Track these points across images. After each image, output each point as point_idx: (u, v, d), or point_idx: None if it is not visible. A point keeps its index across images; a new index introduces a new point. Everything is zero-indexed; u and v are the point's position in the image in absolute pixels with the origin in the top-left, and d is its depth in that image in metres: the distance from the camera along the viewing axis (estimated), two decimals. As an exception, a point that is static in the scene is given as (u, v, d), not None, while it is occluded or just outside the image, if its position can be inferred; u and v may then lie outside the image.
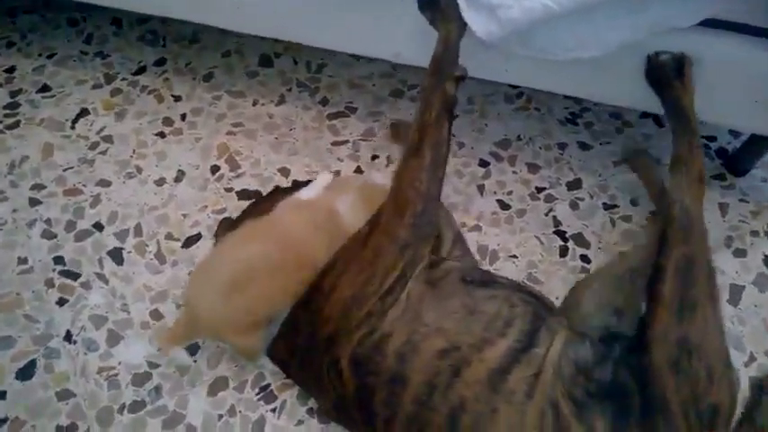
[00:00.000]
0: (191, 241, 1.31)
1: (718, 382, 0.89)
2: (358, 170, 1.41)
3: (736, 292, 1.26)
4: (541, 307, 1.02)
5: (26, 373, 1.17)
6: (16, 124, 1.48)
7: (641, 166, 1.38)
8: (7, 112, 1.50)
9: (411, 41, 1.18)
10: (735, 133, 1.45)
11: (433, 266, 1.02)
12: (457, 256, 1.16)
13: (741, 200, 1.37)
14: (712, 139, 1.45)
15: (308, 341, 1.02)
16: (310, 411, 1.13)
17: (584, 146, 1.46)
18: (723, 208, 1.36)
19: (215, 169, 1.41)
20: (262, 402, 1.14)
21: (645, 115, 1.49)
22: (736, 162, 1.41)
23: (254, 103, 1.52)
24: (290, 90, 1.54)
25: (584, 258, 1.30)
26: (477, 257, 1.29)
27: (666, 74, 1.10)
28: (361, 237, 1.04)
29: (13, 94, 1.53)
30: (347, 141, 1.46)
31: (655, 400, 0.88)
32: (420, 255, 0.99)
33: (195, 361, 1.18)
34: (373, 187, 1.17)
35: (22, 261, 1.29)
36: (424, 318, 0.95)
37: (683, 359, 0.89)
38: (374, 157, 1.43)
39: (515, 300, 1.00)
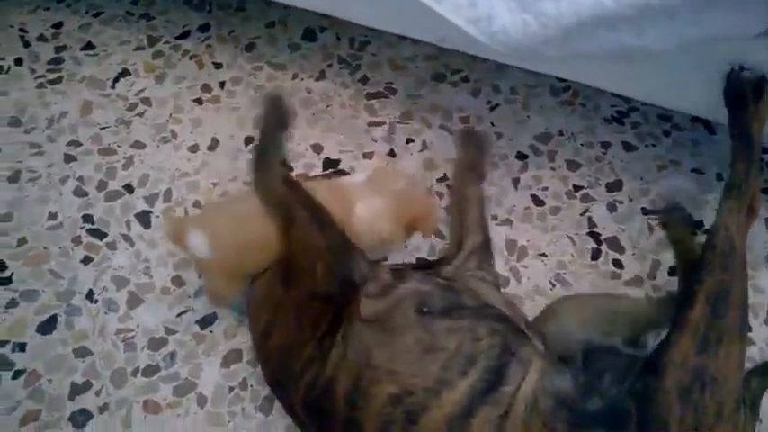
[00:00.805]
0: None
1: (725, 422, 0.83)
2: (391, 153, 1.38)
3: (776, 313, 1.21)
4: (511, 334, 0.92)
5: (47, 327, 1.18)
6: (59, 80, 1.49)
7: (675, 225, 1.20)
8: (51, 67, 1.51)
9: (457, 26, 1.14)
10: (790, 146, 1.38)
11: (381, 295, 0.94)
12: (472, 268, 1.07)
13: (789, 216, 1.31)
14: (765, 151, 1.38)
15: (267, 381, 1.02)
16: (321, 393, 1.12)
17: (628, 146, 1.40)
18: (769, 223, 1.30)
19: (249, 140, 1.40)
20: (274, 379, 1.14)
21: (695, 119, 1.42)
22: (787, 176, 1.34)
23: (294, 77, 1.50)
24: (330, 66, 1.52)
25: (617, 263, 1.26)
26: (505, 253, 1.25)
27: (744, 93, 1.03)
28: (281, 282, 0.98)
29: (58, 49, 1.54)
30: (383, 123, 1.43)
31: (655, 424, 0.82)
32: (351, 301, 0.92)
33: (211, 331, 1.18)
34: (406, 197, 1.12)
35: (53, 216, 1.30)
36: (371, 359, 0.87)
37: (694, 389, 0.82)
38: (409, 141, 1.40)
39: (480, 332, 0.89)
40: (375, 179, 1.12)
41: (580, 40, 0.98)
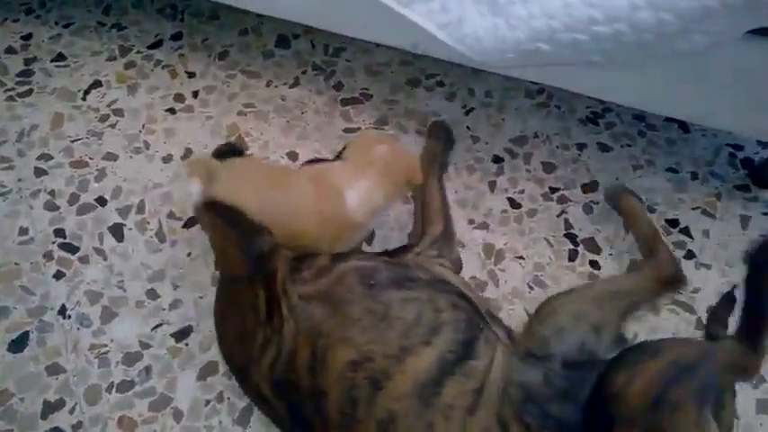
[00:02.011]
0: (192, 221, 1.29)
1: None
2: (367, 159, 1.37)
3: (752, 310, 1.21)
4: (475, 314, 0.93)
5: (18, 344, 1.16)
6: (28, 92, 1.47)
7: (625, 205, 1.26)
8: (20, 79, 1.49)
9: (429, 32, 1.13)
10: (763, 143, 1.39)
11: (317, 276, 0.95)
12: (432, 255, 1.09)
13: (764, 213, 1.31)
14: (739, 148, 1.39)
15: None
16: (299, 403, 1.11)
17: (603, 147, 1.40)
18: (744, 220, 1.30)
19: (223, 149, 1.39)
20: (251, 391, 1.12)
21: (669, 118, 1.42)
22: (761, 173, 1.34)
23: (268, 84, 1.49)
24: (304, 73, 1.51)
25: (594, 264, 1.26)
26: (482, 256, 1.25)
27: None
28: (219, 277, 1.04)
29: (28, 61, 1.52)
30: (359, 129, 1.42)
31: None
32: (271, 273, 0.93)
33: (187, 344, 1.16)
34: (388, 161, 1.10)
35: (23, 231, 1.28)
36: (323, 329, 0.89)
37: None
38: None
39: (441, 304, 0.91)
40: (353, 155, 1.12)
41: (548, 44, 0.98)
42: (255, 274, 0.93)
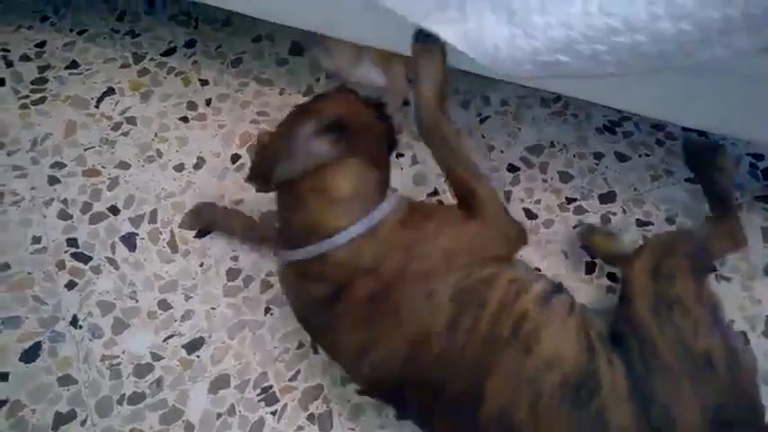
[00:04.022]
0: (205, 231, 1.28)
1: (706, 333, 0.91)
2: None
3: (774, 325, 1.18)
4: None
5: (30, 355, 1.16)
6: (42, 100, 1.47)
7: (597, 240, 1.25)
8: (34, 87, 1.49)
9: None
10: (785, 153, 1.36)
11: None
12: None
13: (786, 225, 1.29)
14: (759, 158, 1.36)
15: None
16: (311, 417, 1.10)
17: (621, 157, 1.38)
18: (766, 232, 1.28)
19: (235, 158, 1.38)
20: (263, 404, 1.11)
21: (688, 128, 1.40)
22: (784, 184, 1.32)
23: (281, 93, 1.48)
24: (318, 80, 1.50)
25: (612, 277, 1.24)
26: (498, 269, 1.23)
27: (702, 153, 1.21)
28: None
29: (42, 69, 1.52)
30: (373, 137, 1.41)
31: (645, 344, 0.91)
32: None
33: (199, 356, 1.15)
34: None
35: (36, 240, 1.28)
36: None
37: (662, 310, 0.93)
38: (399, 155, 1.38)
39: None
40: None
41: (566, 55, 0.96)
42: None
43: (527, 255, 1.25)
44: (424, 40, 1.03)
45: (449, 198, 1.30)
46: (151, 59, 1.54)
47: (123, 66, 1.53)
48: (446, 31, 1.05)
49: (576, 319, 0.95)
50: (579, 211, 1.31)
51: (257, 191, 1.07)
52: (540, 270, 1.24)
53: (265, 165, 1.02)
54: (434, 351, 0.91)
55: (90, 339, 1.17)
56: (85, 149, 1.40)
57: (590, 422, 0.87)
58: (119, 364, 1.15)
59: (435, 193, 1.33)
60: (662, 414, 0.87)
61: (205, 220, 1.28)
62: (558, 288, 1.00)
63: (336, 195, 0.96)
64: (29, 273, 1.24)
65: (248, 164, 1.37)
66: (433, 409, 0.94)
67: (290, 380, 1.14)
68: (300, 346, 1.17)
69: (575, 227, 1.29)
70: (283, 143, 1.00)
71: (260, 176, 1.04)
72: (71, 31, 1.59)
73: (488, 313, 0.93)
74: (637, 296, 0.96)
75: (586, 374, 0.89)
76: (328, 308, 0.95)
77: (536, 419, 0.88)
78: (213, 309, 1.20)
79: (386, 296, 0.93)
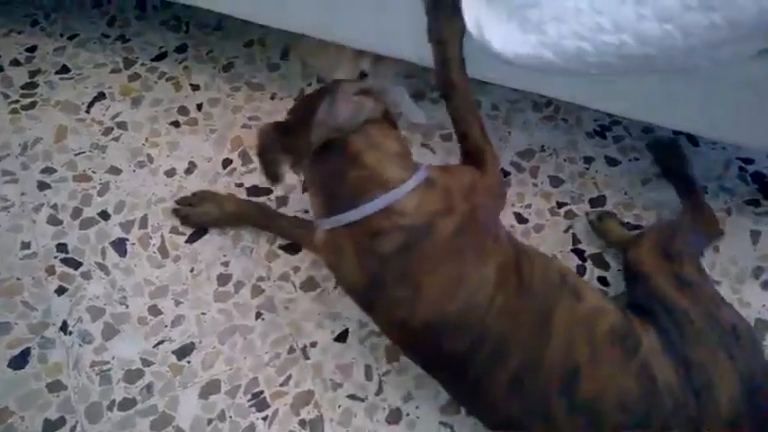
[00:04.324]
0: (195, 236, 1.28)
1: (726, 310, 1.00)
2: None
3: (763, 327, 1.19)
4: None
5: (19, 361, 1.15)
6: (32, 105, 1.46)
7: (609, 224, 1.29)
8: (25, 91, 1.49)
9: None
10: (774, 157, 1.37)
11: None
12: None
13: (775, 228, 1.29)
14: (749, 161, 1.37)
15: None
16: (302, 423, 1.10)
17: (611, 161, 1.39)
18: (754, 236, 1.28)
19: (227, 163, 1.38)
20: (253, 409, 1.11)
21: (679, 131, 1.41)
22: (773, 188, 1.33)
23: (273, 97, 1.48)
24: (310, 85, 1.50)
25: (603, 281, 1.24)
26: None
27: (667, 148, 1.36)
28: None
29: (32, 74, 1.52)
30: (364, 142, 1.40)
31: (676, 314, 0.97)
32: None
33: (189, 361, 1.15)
34: None
35: (26, 246, 1.27)
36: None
37: (684, 286, 1.02)
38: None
39: None
40: None
41: (553, 51, 0.96)
42: None
43: (518, 259, 1.25)
44: (443, 10, 1.07)
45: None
46: (142, 64, 1.54)
47: (114, 71, 1.53)
48: None
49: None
50: (570, 215, 1.31)
51: (271, 177, 1.05)
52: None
53: (295, 136, 1.00)
54: (512, 282, 0.96)
55: (80, 345, 1.17)
56: (76, 154, 1.39)
57: (639, 371, 0.92)
58: (109, 369, 1.14)
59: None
60: (702, 377, 0.91)
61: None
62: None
63: (391, 150, 0.99)
64: (18, 278, 1.23)
65: (239, 168, 1.37)
66: (509, 347, 0.95)
67: (280, 385, 1.13)
68: (291, 351, 1.17)
69: (587, 214, 1.31)
70: (322, 106, 0.97)
71: (288, 150, 1.02)
72: (62, 35, 1.59)
73: (538, 262, 1.02)
74: (654, 274, 1.04)
75: (627, 329, 0.96)
76: (404, 256, 0.94)
77: (595, 358, 0.93)
78: (204, 314, 1.20)
79: (465, 231, 0.96)
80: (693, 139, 1.40)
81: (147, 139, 1.42)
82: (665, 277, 1.03)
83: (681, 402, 0.90)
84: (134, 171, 1.37)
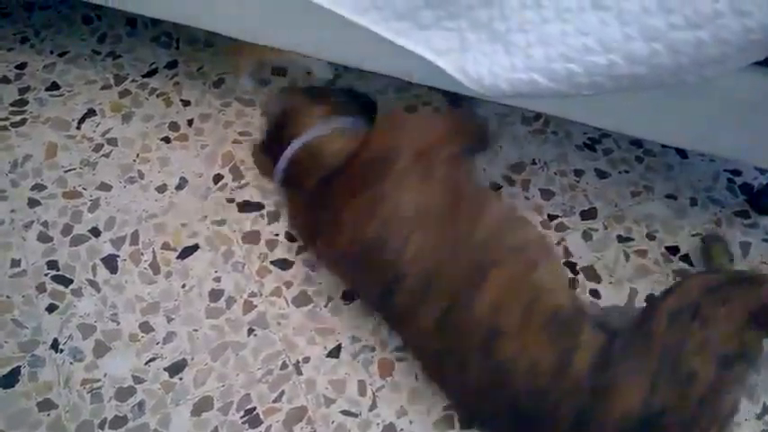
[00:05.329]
0: (186, 252, 1.28)
1: (703, 359, 0.92)
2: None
3: (754, 339, 1.19)
4: None
5: (9, 380, 1.14)
6: (22, 122, 1.46)
7: (715, 249, 1.27)
8: (14, 109, 1.48)
9: (424, 61, 1.13)
10: (762, 169, 1.38)
11: None
12: None
13: (764, 239, 1.30)
14: (737, 173, 1.38)
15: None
16: (295, 439, 1.09)
17: (601, 173, 1.39)
18: (744, 247, 1.29)
19: (218, 178, 1.38)
20: (246, 426, 1.10)
21: (667, 145, 1.42)
22: (761, 199, 1.33)
23: (263, 113, 1.48)
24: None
25: (595, 293, 1.24)
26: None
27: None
28: None
29: (22, 91, 1.51)
30: (355, 156, 1.41)
31: (642, 334, 0.95)
32: None
33: (181, 378, 1.14)
34: None
35: (16, 263, 1.26)
36: None
37: (685, 316, 0.94)
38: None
39: None
40: None
41: (542, 74, 0.97)
42: None
43: (510, 272, 1.25)
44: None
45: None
46: (132, 81, 1.54)
47: (104, 87, 1.53)
48: (426, 51, 1.06)
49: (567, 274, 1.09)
50: (561, 227, 1.32)
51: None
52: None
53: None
54: (440, 224, 1.02)
55: (71, 363, 1.16)
56: (66, 171, 1.39)
57: (560, 354, 0.95)
58: (100, 387, 1.14)
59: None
60: (609, 381, 0.93)
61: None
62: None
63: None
64: (8, 296, 1.23)
65: (231, 184, 1.37)
66: (432, 286, 1.00)
67: (273, 401, 1.13)
68: (284, 366, 1.16)
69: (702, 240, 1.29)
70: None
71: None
72: (52, 52, 1.59)
73: (494, 218, 1.06)
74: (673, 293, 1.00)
75: (572, 319, 0.98)
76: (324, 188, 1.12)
77: (521, 331, 0.96)
78: (195, 330, 1.19)
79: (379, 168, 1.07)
80: (682, 151, 1.41)
81: (137, 155, 1.42)
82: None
83: (577, 390, 0.93)
84: (125, 187, 1.37)
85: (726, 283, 1.01)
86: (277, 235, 1.30)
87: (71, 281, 1.24)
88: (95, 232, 1.30)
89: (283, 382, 1.15)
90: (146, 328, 1.20)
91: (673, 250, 1.28)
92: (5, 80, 1.53)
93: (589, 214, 1.34)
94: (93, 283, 1.24)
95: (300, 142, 1.13)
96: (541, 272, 1.02)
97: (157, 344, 1.18)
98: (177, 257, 1.27)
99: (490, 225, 1.04)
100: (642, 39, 0.88)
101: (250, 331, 1.20)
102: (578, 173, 1.40)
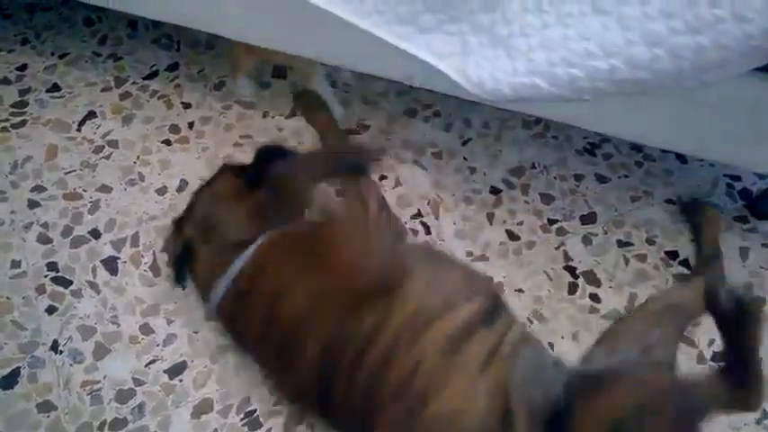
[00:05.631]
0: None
1: None
2: (364, 190, 1.36)
3: (753, 343, 1.19)
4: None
5: (9, 381, 1.14)
6: (22, 123, 1.46)
7: (704, 216, 1.29)
8: (15, 110, 1.48)
9: (425, 64, 1.13)
10: (761, 175, 1.39)
11: None
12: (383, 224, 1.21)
13: (764, 245, 1.31)
14: (736, 179, 1.39)
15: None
16: (295, 442, 1.09)
17: (601, 178, 1.40)
18: (743, 252, 1.30)
19: (218, 181, 1.38)
20: (246, 428, 1.10)
21: (667, 150, 1.43)
22: (759, 204, 1.34)
23: (264, 115, 1.49)
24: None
25: (594, 297, 1.25)
26: (481, 290, 1.24)
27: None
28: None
29: (23, 92, 1.51)
30: (356, 160, 1.41)
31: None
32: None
33: (181, 380, 1.14)
34: None
35: (16, 264, 1.26)
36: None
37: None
38: (382, 177, 1.38)
39: (477, 277, 1.05)
40: None
41: (544, 79, 0.97)
42: None
43: (509, 276, 1.26)
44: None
45: (432, 220, 1.32)
46: (133, 83, 1.54)
47: (105, 89, 1.53)
48: (427, 55, 1.07)
49: (492, 380, 0.89)
50: (561, 232, 1.32)
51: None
52: (522, 291, 1.25)
53: None
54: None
55: (70, 364, 1.16)
56: (66, 173, 1.39)
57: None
58: (100, 389, 1.13)
59: (419, 214, 1.33)
60: (505, 404, 0.87)
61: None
62: (487, 319, 0.95)
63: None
64: (8, 298, 1.22)
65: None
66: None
67: (273, 404, 1.13)
68: (284, 369, 1.16)
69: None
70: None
71: None
72: (52, 54, 1.59)
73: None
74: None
75: (467, 333, 0.91)
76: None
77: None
78: (196, 333, 1.19)
79: None
80: (682, 156, 1.42)
81: (138, 157, 1.42)
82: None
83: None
84: (125, 189, 1.37)
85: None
86: (277, 237, 1.30)
87: (71, 282, 1.24)
88: (95, 234, 1.30)
89: (283, 385, 1.15)
90: (146, 330, 1.19)
91: (672, 255, 1.29)
92: (6, 81, 1.53)
93: (589, 219, 1.34)
94: (93, 285, 1.24)
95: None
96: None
97: (157, 346, 1.18)
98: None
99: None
100: (643, 43, 0.88)
101: (250, 334, 1.20)
102: (578, 177, 1.40)
